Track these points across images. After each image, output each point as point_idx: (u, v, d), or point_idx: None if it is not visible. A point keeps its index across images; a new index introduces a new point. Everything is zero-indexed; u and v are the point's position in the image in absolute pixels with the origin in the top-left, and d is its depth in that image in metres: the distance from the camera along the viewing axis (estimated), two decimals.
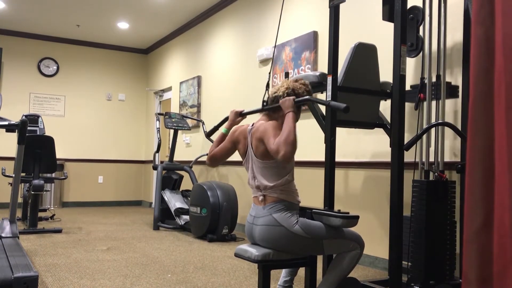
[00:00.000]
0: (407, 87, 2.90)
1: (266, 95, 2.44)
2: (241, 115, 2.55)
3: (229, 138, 2.47)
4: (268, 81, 2.58)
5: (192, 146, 7.03)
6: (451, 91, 3.06)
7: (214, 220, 4.75)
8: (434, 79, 2.98)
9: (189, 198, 5.64)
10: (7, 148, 7.64)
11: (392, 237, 2.60)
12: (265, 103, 2.42)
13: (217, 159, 2.49)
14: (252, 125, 2.36)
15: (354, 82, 2.85)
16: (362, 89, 2.89)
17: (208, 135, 2.85)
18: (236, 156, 6.28)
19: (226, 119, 2.68)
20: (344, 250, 2.32)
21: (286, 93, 2.31)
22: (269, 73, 2.63)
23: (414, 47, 2.99)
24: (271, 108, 2.37)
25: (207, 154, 6.86)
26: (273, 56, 3.14)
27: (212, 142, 6.22)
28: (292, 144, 2.07)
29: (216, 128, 2.84)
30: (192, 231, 5.11)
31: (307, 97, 2.29)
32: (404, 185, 2.62)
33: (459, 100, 3.11)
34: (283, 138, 2.09)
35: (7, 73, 7.84)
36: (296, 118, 2.22)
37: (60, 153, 7.44)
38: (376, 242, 3.71)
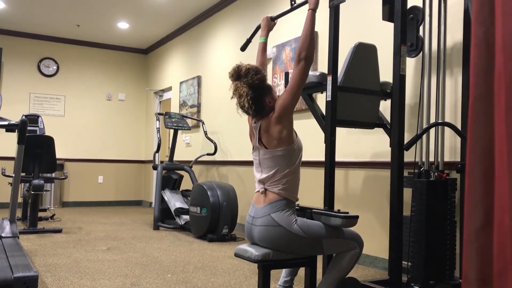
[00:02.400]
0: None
1: None
2: (273, 19, 2.61)
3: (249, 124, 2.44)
4: None
5: (192, 146, 7.03)
6: None
7: (214, 220, 4.75)
8: (434, 81, 2.98)
9: (189, 198, 5.64)
10: (7, 148, 7.64)
11: (392, 237, 2.60)
12: (293, 2, 2.47)
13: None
14: (255, 122, 2.33)
15: (354, 82, 2.85)
16: (362, 89, 2.89)
17: (242, 49, 2.82)
18: (236, 156, 6.24)
19: (257, 29, 2.68)
20: (344, 249, 2.32)
21: (250, 98, 2.20)
22: None
23: (414, 47, 2.99)
24: (300, 5, 2.41)
25: (207, 154, 6.81)
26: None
27: (212, 142, 6.22)
28: (313, 40, 2.21)
29: (249, 41, 2.82)
30: (192, 231, 5.11)
31: None
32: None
33: (459, 100, 3.11)
34: (303, 37, 2.21)
35: (7, 73, 7.84)
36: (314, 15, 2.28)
37: (60, 153, 7.44)
38: (376, 242, 3.71)
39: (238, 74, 2.23)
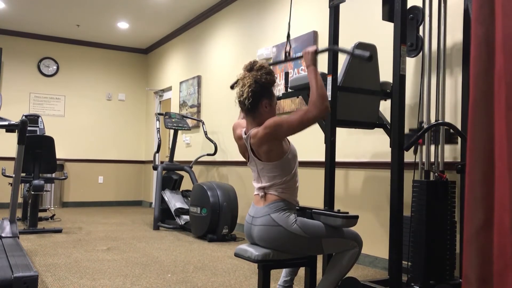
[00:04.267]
0: (406, 130, 2.83)
1: (288, 47, 2.44)
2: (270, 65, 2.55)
3: (235, 137, 2.42)
4: (288, 32, 2.55)
5: (192, 146, 7.03)
6: (450, 137, 3.03)
7: (214, 220, 4.75)
8: (434, 81, 2.98)
9: (189, 198, 5.64)
10: (7, 148, 7.64)
11: (392, 237, 2.60)
12: (287, 54, 2.41)
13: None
14: (245, 133, 2.32)
15: (354, 82, 2.85)
16: (362, 89, 2.89)
17: (232, 87, 2.81)
18: (236, 156, 6.23)
19: None
20: (343, 249, 2.32)
21: (251, 90, 2.21)
22: (289, 22, 2.59)
23: (414, 47, 2.99)
24: (295, 59, 2.36)
25: (207, 154, 6.81)
26: (290, 17, 2.95)
27: (212, 142, 6.22)
28: (326, 97, 2.10)
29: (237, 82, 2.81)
30: (192, 231, 5.11)
31: (328, 47, 2.25)
32: (404, 185, 2.62)
33: (459, 100, 3.11)
34: (317, 95, 2.08)
35: (7, 73, 7.84)
36: (317, 71, 2.17)
37: (60, 153, 7.44)
38: (376, 242, 3.71)
39: (251, 67, 2.29)
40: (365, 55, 2.08)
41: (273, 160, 2.22)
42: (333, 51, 2.25)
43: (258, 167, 2.28)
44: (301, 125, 2.13)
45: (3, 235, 3.39)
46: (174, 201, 5.71)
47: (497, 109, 1.63)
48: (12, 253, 2.76)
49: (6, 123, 3.53)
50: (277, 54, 5.04)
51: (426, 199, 2.68)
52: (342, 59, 2.90)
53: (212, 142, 6.01)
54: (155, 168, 6.03)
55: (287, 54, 2.40)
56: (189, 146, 7.12)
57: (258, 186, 2.31)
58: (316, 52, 2.22)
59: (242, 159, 5.62)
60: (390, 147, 2.65)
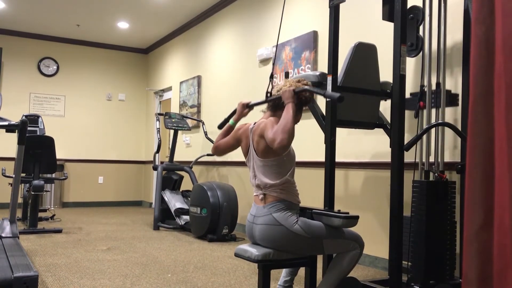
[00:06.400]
0: (407, 94, 2.87)
1: (270, 87, 2.47)
2: (248, 107, 2.56)
3: (233, 135, 2.47)
4: (272, 73, 2.60)
5: (192, 147, 7.03)
6: (451, 99, 3.04)
7: (214, 220, 4.75)
8: (434, 84, 2.98)
9: (189, 199, 5.64)
10: (7, 148, 7.64)
11: (392, 237, 2.60)
12: (269, 94, 2.44)
13: (220, 151, 2.53)
14: (254, 123, 2.36)
15: (354, 82, 2.85)
16: (362, 89, 2.89)
17: (220, 127, 2.85)
18: (236, 156, 6.25)
19: (234, 112, 2.67)
20: (344, 250, 2.32)
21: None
22: (273, 67, 2.64)
23: (414, 47, 2.99)
24: (274, 99, 2.38)
25: (207, 155, 6.82)
26: (275, 55, 3.13)
27: (212, 142, 6.22)
28: (288, 133, 2.09)
29: (226, 121, 2.85)
30: (192, 231, 5.11)
31: (305, 87, 2.31)
32: (404, 185, 2.62)
33: (459, 100, 3.11)
34: (281, 127, 2.12)
35: (7, 73, 7.84)
36: (295, 109, 2.23)
37: (60, 153, 7.43)
38: (376, 242, 3.71)
39: (298, 80, 2.41)
40: (335, 96, 2.18)
41: (269, 156, 2.24)
42: (308, 91, 2.33)
43: (255, 162, 2.32)
44: (268, 141, 2.17)
45: (3, 235, 3.39)
46: (174, 201, 5.71)
47: (497, 109, 1.63)
48: (12, 253, 2.76)
49: (6, 123, 3.53)
50: (277, 54, 5.04)
51: (426, 199, 2.68)
52: (342, 59, 2.90)
53: (212, 142, 6.01)
54: (155, 168, 6.03)
55: (269, 94, 2.45)
56: (189, 146, 7.12)
57: (255, 183, 2.33)
58: (294, 92, 2.28)
59: (242, 159, 5.62)
60: (390, 147, 2.65)
